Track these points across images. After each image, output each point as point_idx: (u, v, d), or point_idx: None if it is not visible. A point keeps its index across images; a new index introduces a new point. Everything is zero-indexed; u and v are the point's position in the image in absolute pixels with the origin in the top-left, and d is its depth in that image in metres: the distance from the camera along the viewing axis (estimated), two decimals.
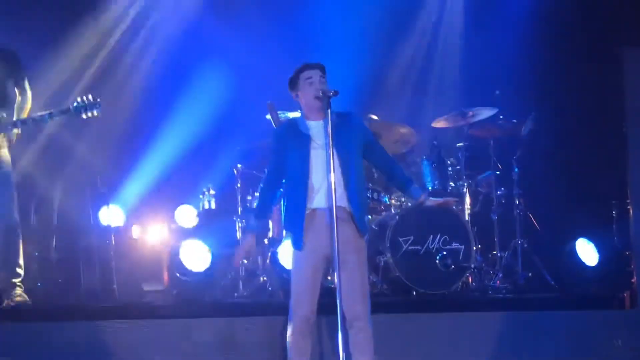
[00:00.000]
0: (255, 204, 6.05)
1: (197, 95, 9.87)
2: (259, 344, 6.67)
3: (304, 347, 5.81)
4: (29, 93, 7.36)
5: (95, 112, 7.09)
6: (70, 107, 7.08)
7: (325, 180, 5.75)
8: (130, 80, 9.87)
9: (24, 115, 7.27)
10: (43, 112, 7.18)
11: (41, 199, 8.79)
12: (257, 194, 8.62)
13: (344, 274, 5.67)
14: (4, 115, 7.13)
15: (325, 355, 6.64)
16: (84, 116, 7.09)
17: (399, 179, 6.21)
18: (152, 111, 9.91)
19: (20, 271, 7.17)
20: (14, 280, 7.13)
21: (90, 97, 7.09)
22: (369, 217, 8.33)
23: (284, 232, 6.06)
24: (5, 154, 7.16)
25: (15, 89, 7.30)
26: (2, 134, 7.12)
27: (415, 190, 6.18)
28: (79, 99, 7.08)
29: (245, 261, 5.84)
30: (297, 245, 5.83)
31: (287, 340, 5.81)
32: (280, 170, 5.96)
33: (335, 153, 5.75)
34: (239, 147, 8.95)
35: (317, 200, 5.82)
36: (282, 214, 6.01)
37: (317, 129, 5.90)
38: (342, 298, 5.68)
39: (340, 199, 5.79)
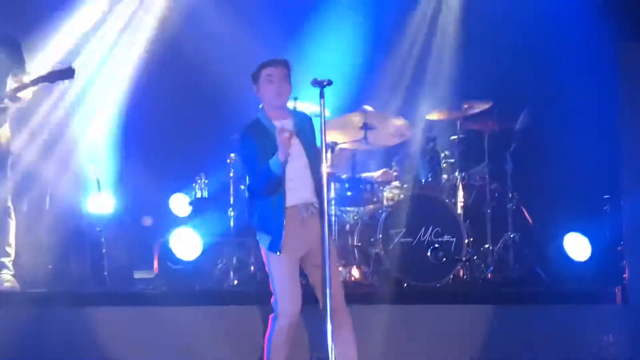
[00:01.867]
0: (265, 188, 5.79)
1: (191, 83, 9.85)
2: (248, 332, 6.65)
3: (288, 346, 5.78)
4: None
5: (67, 82, 7.10)
6: (45, 74, 7.07)
7: (299, 178, 5.72)
8: (126, 65, 9.84)
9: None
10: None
11: (34, 184, 8.76)
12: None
13: (318, 270, 5.63)
14: None
15: (305, 349, 6.62)
16: (60, 83, 7.13)
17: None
18: (147, 98, 9.87)
19: (10, 251, 7.15)
20: (2, 259, 7.10)
21: (65, 65, 7.08)
22: (362, 208, 8.37)
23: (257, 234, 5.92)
24: (4, 132, 7.12)
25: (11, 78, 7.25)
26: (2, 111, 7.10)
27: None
28: (53, 68, 7.08)
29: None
30: (275, 247, 5.72)
31: (272, 340, 5.75)
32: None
33: (302, 149, 5.76)
34: (232, 137, 8.92)
35: (291, 198, 5.76)
36: (255, 216, 5.88)
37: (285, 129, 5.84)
38: (321, 292, 5.69)
39: (310, 195, 5.79)
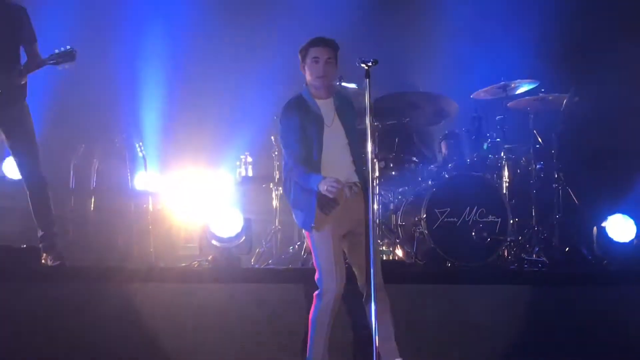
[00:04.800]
0: (300, 177, 5.82)
1: (236, 63, 9.88)
2: (292, 310, 6.69)
3: (330, 323, 5.82)
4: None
5: (67, 65, 7.12)
6: (47, 57, 7.11)
7: (339, 158, 5.76)
8: (170, 46, 9.90)
9: None
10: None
11: (80, 162, 8.86)
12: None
13: (362, 248, 5.70)
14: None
15: (349, 327, 6.66)
16: (59, 67, 7.12)
17: (362, 168, 5.97)
18: (192, 78, 9.93)
19: (53, 219, 7.21)
20: (47, 228, 7.16)
21: (66, 48, 7.11)
22: (406, 188, 8.36)
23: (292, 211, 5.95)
24: (23, 110, 7.17)
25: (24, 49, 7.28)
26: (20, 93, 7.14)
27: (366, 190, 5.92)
28: (56, 50, 7.10)
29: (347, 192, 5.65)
30: (307, 225, 5.78)
31: (317, 317, 5.80)
32: (305, 144, 5.79)
33: (343, 130, 5.80)
34: (276, 116, 8.94)
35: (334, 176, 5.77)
36: (290, 193, 5.90)
37: (326, 107, 5.86)
38: (360, 271, 5.76)
39: (352, 175, 5.83)
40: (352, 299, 6.10)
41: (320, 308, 5.80)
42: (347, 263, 5.94)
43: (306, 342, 5.90)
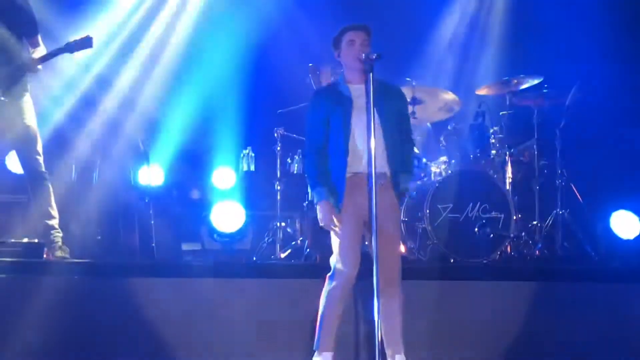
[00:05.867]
0: (309, 175, 5.89)
1: (239, 57, 9.86)
2: (295, 305, 6.67)
3: (340, 307, 5.80)
4: (42, 48, 7.32)
5: (85, 50, 7.15)
6: (64, 45, 7.11)
7: (366, 145, 5.70)
8: (172, 40, 9.88)
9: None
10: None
11: (82, 157, 8.83)
12: (297, 157, 8.65)
13: (381, 240, 5.64)
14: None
15: (357, 321, 6.64)
16: (77, 53, 7.16)
17: (398, 159, 5.96)
18: (194, 73, 9.92)
19: (54, 213, 7.21)
20: (48, 222, 7.17)
21: (82, 35, 7.11)
22: (417, 182, 8.32)
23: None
24: (27, 103, 7.16)
25: (26, 42, 7.27)
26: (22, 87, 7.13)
27: (397, 184, 5.93)
28: (71, 39, 7.10)
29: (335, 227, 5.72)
30: (336, 205, 5.80)
31: (326, 298, 5.79)
32: (325, 133, 5.86)
33: (377, 117, 5.72)
34: (280, 110, 8.93)
35: (358, 165, 5.79)
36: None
37: (358, 93, 5.84)
38: (380, 265, 5.70)
39: (381, 164, 5.77)
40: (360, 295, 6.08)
41: (329, 290, 5.79)
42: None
43: (311, 338, 5.88)
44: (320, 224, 5.78)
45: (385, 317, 5.70)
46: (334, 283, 5.78)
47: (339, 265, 5.77)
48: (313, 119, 5.95)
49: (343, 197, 5.77)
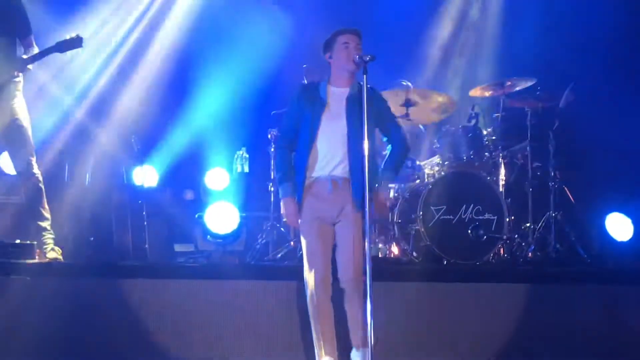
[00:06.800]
0: (278, 169, 6.02)
1: (233, 58, 9.86)
2: (287, 307, 6.67)
3: (326, 309, 5.81)
4: (36, 49, 7.29)
5: (75, 50, 7.14)
6: (54, 44, 7.09)
7: (331, 150, 5.78)
8: (167, 42, 9.88)
9: None
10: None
11: (75, 157, 8.82)
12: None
13: (342, 242, 5.77)
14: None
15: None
16: (68, 53, 7.16)
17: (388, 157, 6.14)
18: (188, 74, 9.92)
19: (47, 214, 7.20)
20: (41, 223, 7.15)
21: (72, 35, 7.10)
22: (403, 185, 8.32)
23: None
24: (19, 104, 7.14)
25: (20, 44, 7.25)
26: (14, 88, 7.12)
27: (380, 179, 6.05)
28: (62, 38, 7.10)
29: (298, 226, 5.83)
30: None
31: (308, 306, 5.84)
32: (295, 129, 5.96)
33: (347, 124, 5.80)
34: (274, 112, 8.92)
35: (320, 169, 5.85)
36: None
37: (337, 97, 5.89)
38: (340, 265, 5.82)
39: (343, 170, 5.84)
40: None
41: (308, 299, 5.86)
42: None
43: (304, 339, 5.89)
44: (284, 220, 5.85)
45: (351, 313, 5.80)
46: (308, 290, 5.83)
47: (306, 272, 5.84)
48: (288, 114, 6.09)
49: (301, 201, 5.86)
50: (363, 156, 5.64)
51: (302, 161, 5.87)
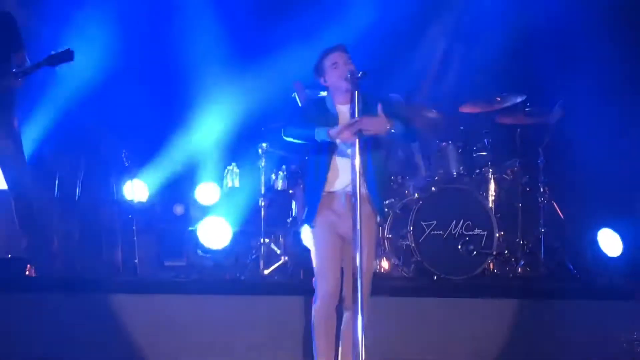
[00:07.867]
0: (301, 128, 5.82)
1: (224, 73, 9.87)
2: (278, 322, 6.67)
3: (330, 325, 5.75)
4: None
5: (64, 63, 7.12)
6: (46, 58, 7.09)
7: (348, 164, 5.66)
8: (157, 57, 9.88)
9: None
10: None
11: (65, 172, 8.81)
12: (281, 173, 8.68)
13: (348, 258, 5.66)
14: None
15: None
16: (57, 67, 7.12)
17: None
18: (179, 89, 9.93)
19: (37, 230, 7.19)
20: (31, 238, 7.14)
21: (63, 49, 7.10)
22: (392, 200, 8.33)
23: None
24: (12, 119, 7.14)
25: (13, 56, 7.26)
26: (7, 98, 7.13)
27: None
28: (52, 52, 7.09)
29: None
30: (309, 221, 5.77)
31: (313, 319, 5.75)
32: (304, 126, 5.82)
33: (358, 138, 5.72)
34: (264, 127, 8.93)
35: (337, 183, 5.76)
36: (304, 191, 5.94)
37: (343, 113, 5.83)
38: (345, 279, 5.72)
39: (360, 183, 5.77)
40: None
41: (314, 312, 5.74)
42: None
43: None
44: (340, 139, 5.63)
45: (347, 331, 5.68)
46: (317, 303, 5.74)
47: (319, 282, 5.75)
48: (301, 112, 6.02)
49: (316, 215, 5.76)
50: (375, 169, 5.70)
51: (321, 176, 5.76)
